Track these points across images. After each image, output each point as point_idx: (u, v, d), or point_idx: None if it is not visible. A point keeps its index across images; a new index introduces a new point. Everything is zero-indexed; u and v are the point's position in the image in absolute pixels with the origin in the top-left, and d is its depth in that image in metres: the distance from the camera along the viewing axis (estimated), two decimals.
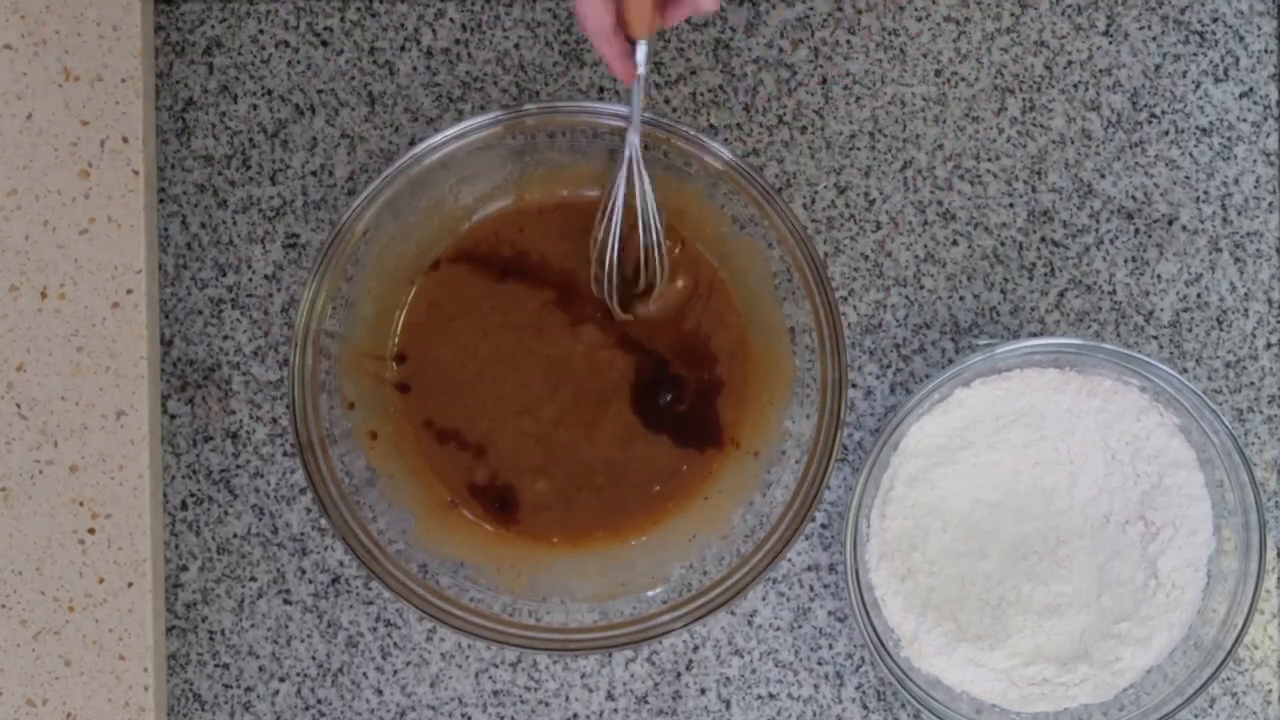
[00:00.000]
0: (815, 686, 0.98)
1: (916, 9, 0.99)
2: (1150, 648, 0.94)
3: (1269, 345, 0.99)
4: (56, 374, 0.92)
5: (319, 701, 0.97)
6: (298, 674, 0.97)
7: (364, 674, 0.97)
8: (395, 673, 0.97)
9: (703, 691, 0.97)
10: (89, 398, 0.93)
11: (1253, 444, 0.99)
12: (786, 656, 0.98)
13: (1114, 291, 0.99)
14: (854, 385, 0.98)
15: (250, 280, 0.98)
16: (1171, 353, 0.99)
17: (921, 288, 0.99)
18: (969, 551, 0.95)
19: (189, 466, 0.97)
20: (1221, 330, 0.99)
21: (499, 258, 0.94)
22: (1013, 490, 0.96)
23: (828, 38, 0.99)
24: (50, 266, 0.93)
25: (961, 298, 0.99)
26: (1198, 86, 1.00)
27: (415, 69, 0.98)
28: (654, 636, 0.86)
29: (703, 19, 0.99)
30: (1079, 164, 0.99)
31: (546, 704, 0.97)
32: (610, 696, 0.97)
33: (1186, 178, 1.00)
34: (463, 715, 0.97)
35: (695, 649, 0.97)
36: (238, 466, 0.97)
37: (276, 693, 0.97)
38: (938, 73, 0.99)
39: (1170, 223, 1.00)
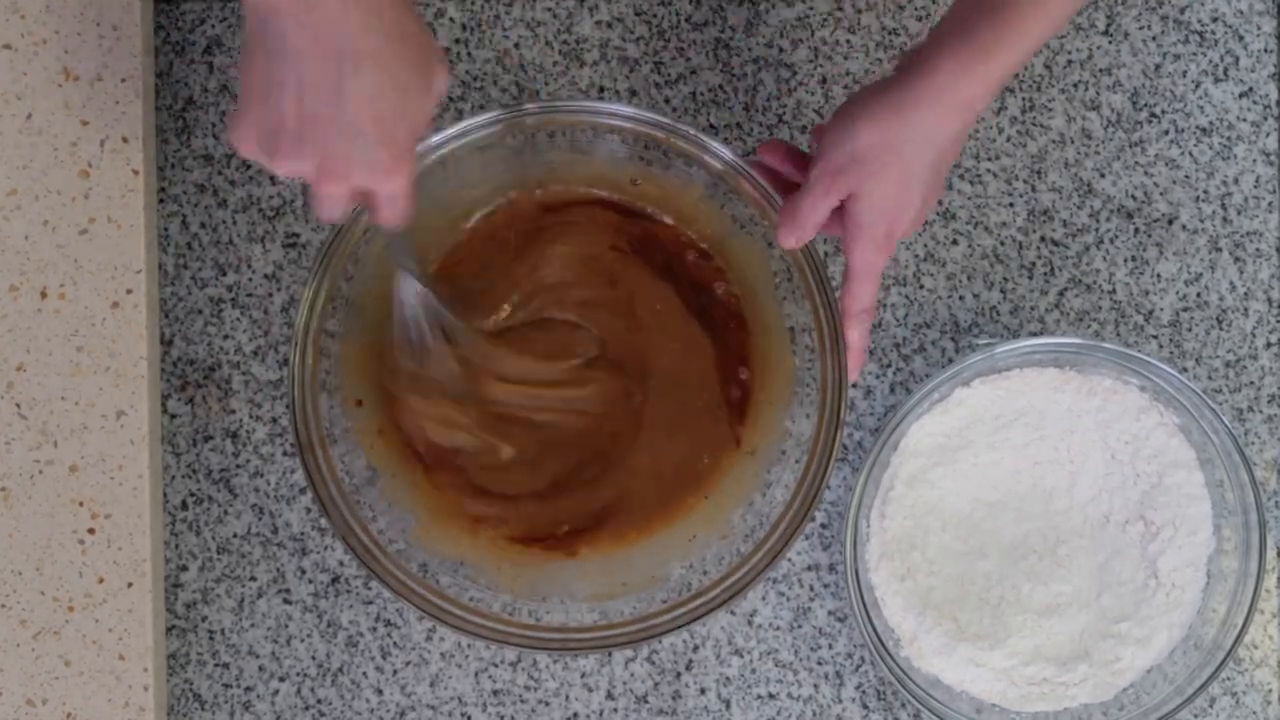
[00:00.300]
0: (815, 686, 0.98)
1: (916, 9, 0.99)
2: (1150, 647, 0.94)
3: (1269, 345, 1.00)
4: (56, 374, 0.92)
5: (319, 701, 0.97)
6: (298, 674, 0.97)
7: (364, 674, 0.97)
8: (395, 672, 0.97)
9: (703, 691, 0.97)
10: (89, 398, 0.93)
11: (1253, 444, 0.99)
12: (786, 656, 0.98)
13: (1114, 291, 0.99)
14: (854, 385, 0.98)
15: (250, 280, 0.98)
16: (1171, 352, 0.99)
17: (921, 287, 0.99)
18: (969, 551, 0.95)
19: (189, 466, 0.97)
20: (1221, 330, 0.99)
21: (499, 258, 0.94)
22: (1013, 490, 0.96)
23: (828, 37, 0.99)
24: (50, 266, 0.93)
25: (961, 297, 0.99)
26: (1198, 86, 1.00)
27: None
28: (654, 636, 0.86)
29: (703, 19, 0.99)
30: (1079, 163, 0.99)
31: (546, 703, 0.97)
32: (610, 696, 0.97)
33: (1186, 177, 1.00)
34: (463, 715, 0.97)
35: (695, 649, 0.97)
36: (238, 466, 0.97)
37: (276, 692, 0.97)
38: None
39: (1170, 222, 1.00)
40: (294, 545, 0.97)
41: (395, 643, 0.97)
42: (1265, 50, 1.00)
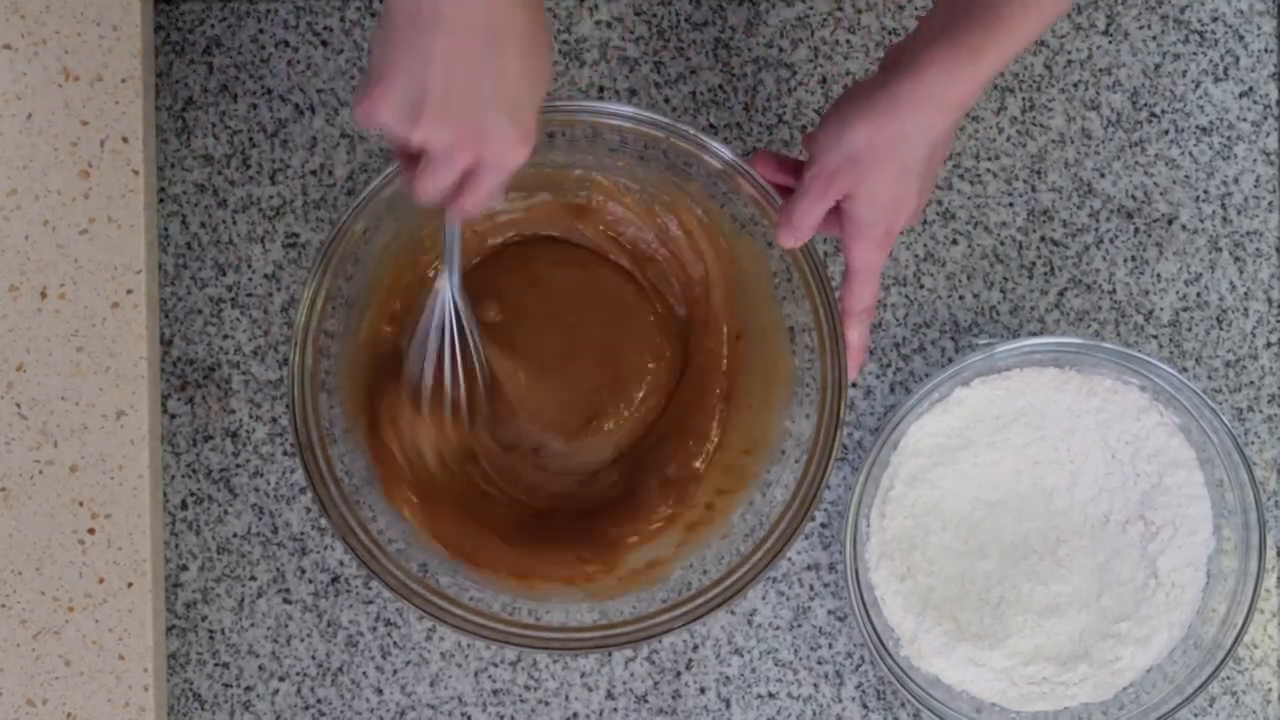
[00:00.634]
0: (815, 686, 0.98)
1: (916, 9, 0.99)
2: (1150, 647, 0.94)
3: (1269, 344, 0.99)
4: (56, 374, 0.92)
5: (319, 701, 0.97)
6: (298, 673, 0.97)
7: (364, 673, 0.97)
8: (395, 672, 0.97)
9: (702, 690, 0.97)
10: (89, 398, 0.93)
11: (1252, 443, 0.99)
12: (786, 655, 0.98)
13: (1114, 291, 0.99)
14: (854, 385, 0.98)
15: (250, 280, 0.98)
16: (1171, 352, 0.99)
17: (921, 287, 0.99)
18: (969, 551, 0.95)
19: (189, 466, 0.97)
20: (1221, 329, 0.99)
21: (498, 259, 0.94)
22: (1013, 490, 0.96)
23: (828, 37, 0.99)
24: (50, 266, 0.93)
25: (961, 297, 0.99)
26: (1197, 86, 1.00)
27: None
28: (654, 636, 0.86)
29: (703, 19, 0.99)
30: (1079, 163, 0.99)
31: (546, 703, 0.97)
32: (610, 695, 0.97)
33: (1186, 177, 1.00)
34: (462, 714, 0.97)
35: (695, 648, 0.97)
36: (238, 466, 0.97)
37: (276, 692, 0.97)
38: None
39: (1170, 222, 1.00)
40: (294, 545, 0.97)
41: (395, 642, 0.97)
42: (1265, 50, 1.00)
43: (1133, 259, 0.99)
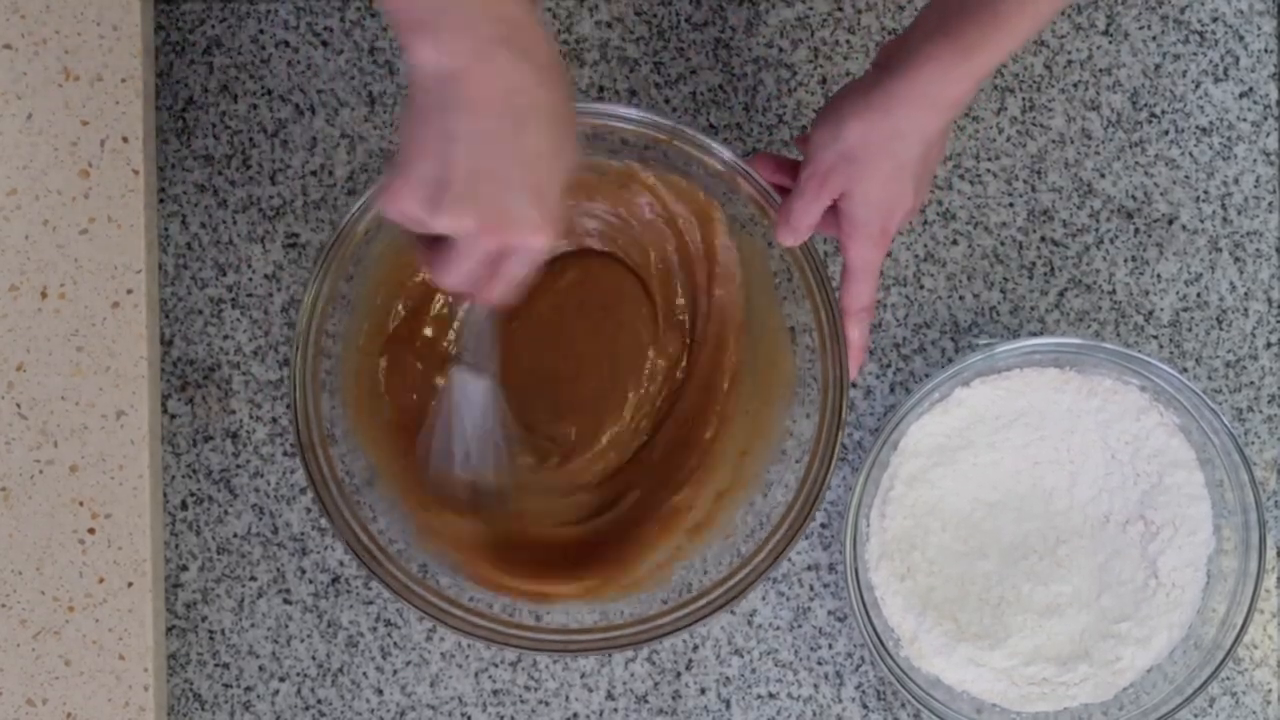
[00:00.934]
0: (815, 686, 0.98)
1: (916, 9, 0.99)
2: (1150, 647, 0.94)
3: (1269, 345, 1.00)
4: (56, 374, 0.92)
5: (319, 701, 0.97)
6: (298, 674, 0.97)
7: (364, 674, 0.97)
8: (395, 673, 0.97)
9: (703, 691, 0.97)
10: (89, 398, 0.92)
11: (1253, 444, 0.99)
12: (786, 656, 0.98)
13: (1114, 291, 0.99)
14: (854, 385, 0.98)
15: (250, 280, 0.97)
16: (1171, 352, 0.99)
17: (921, 287, 0.99)
18: (969, 551, 0.95)
19: (189, 466, 0.97)
20: (1221, 330, 0.99)
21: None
22: (1013, 490, 0.96)
23: (828, 38, 0.99)
24: (50, 266, 0.93)
25: (961, 297, 0.99)
26: (1198, 86, 1.00)
27: None
28: (655, 637, 0.86)
29: (703, 19, 0.99)
30: (1079, 163, 0.99)
31: (546, 703, 0.97)
32: (610, 696, 0.97)
33: (1186, 177, 1.00)
34: (463, 715, 0.97)
35: (695, 648, 0.97)
36: (238, 466, 0.97)
37: (276, 693, 0.97)
38: None
39: (1170, 222, 1.00)
40: (294, 545, 0.97)
41: (395, 643, 0.97)
42: (1265, 50, 1.00)
43: (1133, 259, 0.99)
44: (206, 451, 0.97)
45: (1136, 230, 0.99)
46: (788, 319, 0.90)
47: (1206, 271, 0.99)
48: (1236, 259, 1.00)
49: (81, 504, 0.92)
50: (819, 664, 0.98)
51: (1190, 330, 0.99)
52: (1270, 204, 1.00)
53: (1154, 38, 1.00)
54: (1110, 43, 1.00)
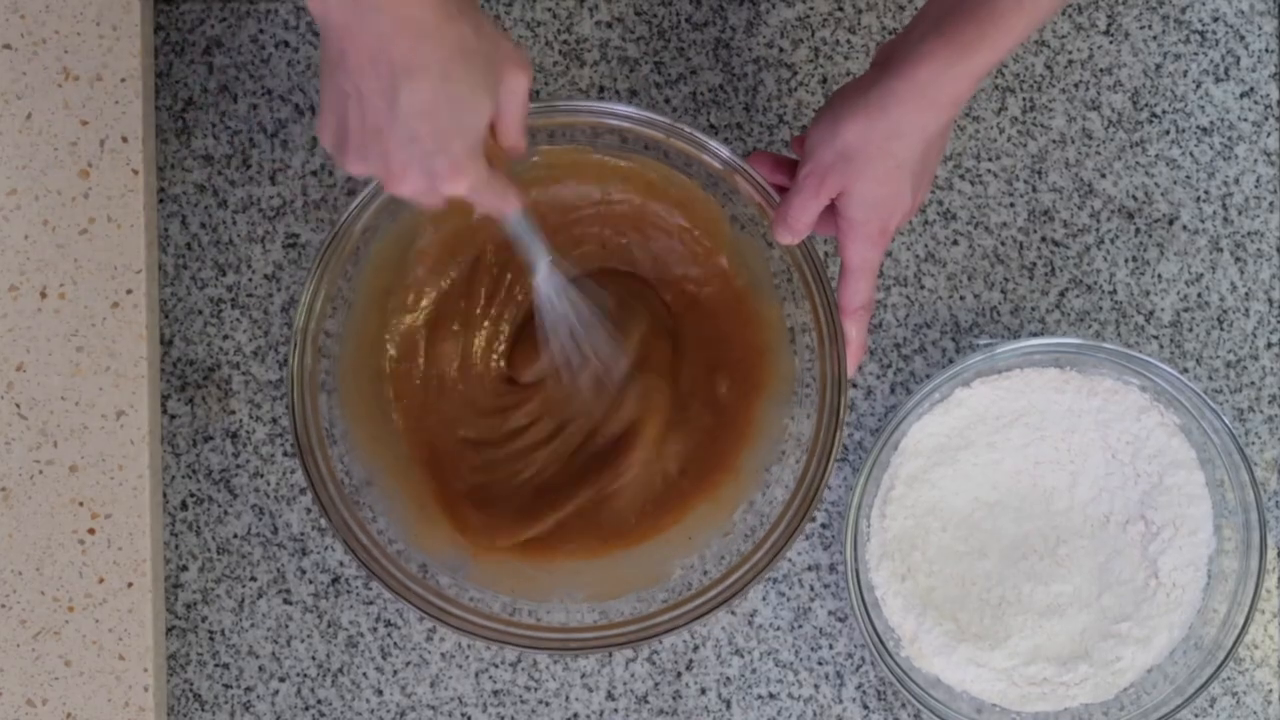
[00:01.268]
0: (815, 686, 0.98)
1: (917, 8, 0.99)
2: (1150, 647, 0.94)
3: (1269, 345, 0.99)
4: (56, 374, 0.92)
5: (319, 701, 0.97)
6: (298, 674, 0.97)
7: (364, 674, 0.97)
8: (395, 673, 0.97)
9: (703, 691, 0.97)
10: (89, 398, 0.93)
11: (1253, 444, 0.99)
12: (787, 656, 0.98)
13: (1114, 291, 0.99)
14: (854, 385, 0.98)
15: (250, 280, 0.98)
16: (1172, 352, 0.99)
17: (922, 287, 0.99)
18: (969, 551, 0.95)
19: (189, 466, 0.97)
20: (1222, 330, 0.99)
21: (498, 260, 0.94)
22: (1013, 490, 0.96)
23: (828, 38, 0.99)
24: (50, 266, 0.93)
25: (962, 297, 0.99)
26: (1198, 86, 1.00)
27: None
28: (654, 636, 0.86)
29: (703, 19, 0.99)
30: (1079, 163, 0.99)
31: (546, 704, 0.97)
32: (610, 696, 0.97)
33: (1187, 177, 1.00)
34: (463, 715, 0.97)
35: (695, 649, 0.97)
36: (238, 466, 0.97)
37: (276, 693, 0.97)
38: None
39: (1171, 222, 1.00)
40: (294, 545, 0.97)
41: (395, 643, 0.97)
42: (1266, 50, 1.00)
43: (1133, 259, 0.99)
44: (206, 452, 0.97)
45: (1137, 230, 0.99)
46: (788, 319, 0.90)
47: (1207, 271, 0.99)
48: (1237, 259, 0.99)
49: (81, 504, 0.92)
50: (819, 664, 0.98)
51: (1191, 330, 0.99)
52: (1271, 204, 1.00)
53: (1155, 37, 1.00)
54: (1111, 42, 1.00)
